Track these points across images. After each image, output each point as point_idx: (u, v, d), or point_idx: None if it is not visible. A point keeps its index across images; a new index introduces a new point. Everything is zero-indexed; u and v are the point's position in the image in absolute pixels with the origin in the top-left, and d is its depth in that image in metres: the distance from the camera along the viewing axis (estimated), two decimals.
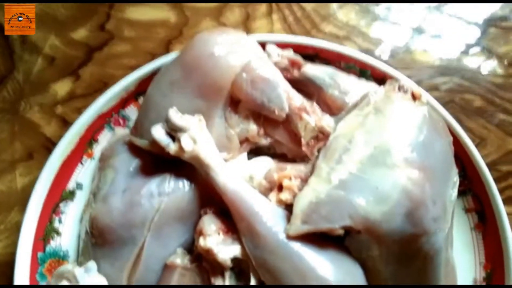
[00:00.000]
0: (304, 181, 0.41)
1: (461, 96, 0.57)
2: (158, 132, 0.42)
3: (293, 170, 0.42)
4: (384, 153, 0.38)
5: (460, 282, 0.48)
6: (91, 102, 0.49)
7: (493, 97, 0.57)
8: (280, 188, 0.42)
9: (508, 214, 0.49)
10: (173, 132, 0.41)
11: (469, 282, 0.49)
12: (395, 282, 0.40)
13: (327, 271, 0.37)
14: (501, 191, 0.49)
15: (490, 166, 0.49)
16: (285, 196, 0.41)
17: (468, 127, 0.56)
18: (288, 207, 0.40)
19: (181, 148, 0.41)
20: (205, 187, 0.43)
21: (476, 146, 0.49)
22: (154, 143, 0.42)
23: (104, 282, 0.42)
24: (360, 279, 0.39)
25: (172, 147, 0.41)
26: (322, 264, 0.38)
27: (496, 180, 0.48)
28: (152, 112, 0.44)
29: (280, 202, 0.41)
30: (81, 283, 0.41)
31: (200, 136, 0.41)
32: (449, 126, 0.48)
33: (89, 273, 0.41)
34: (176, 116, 0.41)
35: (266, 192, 0.43)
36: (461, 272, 0.48)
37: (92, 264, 0.42)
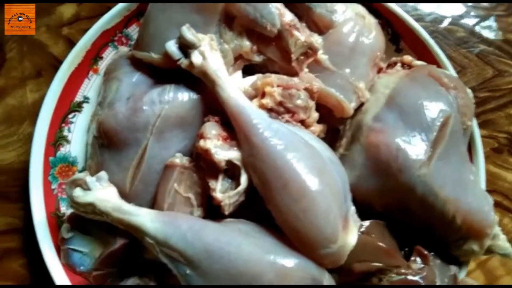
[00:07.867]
0: (286, 89, 0.45)
1: (444, 26, 0.61)
2: (172, 47, 0.45)
3: (275, 78, 0.45)
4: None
5: None
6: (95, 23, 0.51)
7: (474, 29, 0.61)
8: (264, 94, 0.45)
9: (483, 136, 0.53)
10: (185, 47, 0.44)
11: None
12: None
13: (308, 182, 0.41)
14: (478, 115, 0.53)
15: None
16: (266, 101, 0.44)
17: (450, 56, 0.59)
18: (270, 112, 0.45)
19: (191, 63, 0.44)
20: (210, 99, 0.46)
21: (457, 73, 0.52)
22: (166, 56, 0.45)
23: (114, 191, 0.43)
24: (339, 189, 0.43)
25: (183, 61, 0.44)
26: (305, 175, 0.41)
27: (475, 105, 0.51)
28: (152, 26, 0.47)
29: (261, 106, 0.44)
30: (93, 190, 0.42)
31: (210, 53, 0.44)
32: (433, 53, 0.51)
33: (101, 181, 0.43)
34: (188, 32, 0.44)
35: (251, 99, 0.45)
36: None
37: (103, 174, 0.44)
